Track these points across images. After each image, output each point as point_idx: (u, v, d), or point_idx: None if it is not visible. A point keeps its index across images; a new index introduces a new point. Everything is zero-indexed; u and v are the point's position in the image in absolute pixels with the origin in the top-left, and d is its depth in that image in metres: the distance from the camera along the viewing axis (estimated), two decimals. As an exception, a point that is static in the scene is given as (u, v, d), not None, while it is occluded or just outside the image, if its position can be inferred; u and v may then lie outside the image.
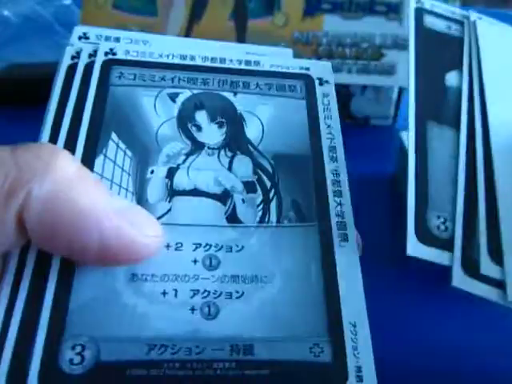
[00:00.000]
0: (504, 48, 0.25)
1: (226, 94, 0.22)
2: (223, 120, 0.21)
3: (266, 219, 0.19)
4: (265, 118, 0.22)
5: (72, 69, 0.21)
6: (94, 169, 0.19)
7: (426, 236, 0.19)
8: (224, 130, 0.21)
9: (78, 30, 0.23)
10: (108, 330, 0.17)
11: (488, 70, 0.23)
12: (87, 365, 0.16)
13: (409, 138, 0.21)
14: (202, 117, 0.21)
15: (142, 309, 0.17)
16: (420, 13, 0.25)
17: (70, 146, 0.20)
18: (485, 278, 0.18)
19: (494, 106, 0.22)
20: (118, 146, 0.20)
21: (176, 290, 0.18)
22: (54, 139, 0.20)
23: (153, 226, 0.17)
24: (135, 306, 0.17)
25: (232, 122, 0.21)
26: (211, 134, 0.21)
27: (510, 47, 0.25)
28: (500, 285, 0.18)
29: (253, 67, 0.23)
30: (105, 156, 0.20)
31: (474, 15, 0.27)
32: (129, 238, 0.16)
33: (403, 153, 0.35)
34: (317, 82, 0.23)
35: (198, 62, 0.22)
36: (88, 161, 0.19)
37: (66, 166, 0.16)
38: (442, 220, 0.19)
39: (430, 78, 0.23)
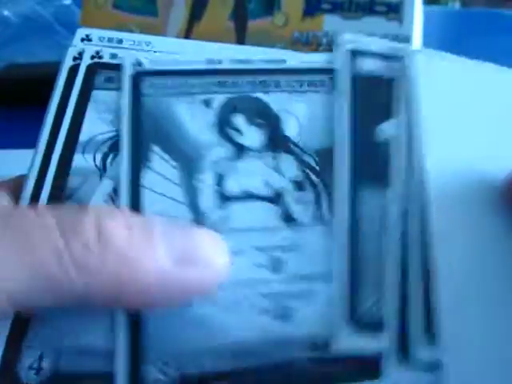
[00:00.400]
0: (447, 86, 0.21)
1: (258, 94, 0.22)
2: (261, 121, 0.21)
3: (319, 215, 0.19)
4: (301, 115, 0.21)
5: (74, 70, 0.21)
6: (142, 182, 0.19)
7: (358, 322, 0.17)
8: (263, 130, 0.21)
9: (81, 32, 0.22)
10: (184, 342, 0.17)
11: (427, 115, 0.20)
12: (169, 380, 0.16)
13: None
14: (239, 120, 0.21)
15: (218, 318, 0.17)
16: (354, 56, 0.22)
17: (69, 147, 0.20)
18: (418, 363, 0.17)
19: (432, 158, 0.19)
20: (162, 157, 0.20)
21: (247, 296, 0.17)
22: (52, 141, 0.20)
23: (220, 250, 0.17)
24: (211, 316, 0.17)
25: (270, 122, 0.21)
26: (252, 136, 0.21)
27: (455, 84, 0.21)
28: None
29: (280, 65, 0.22)
30: (150, 169, 0.20)
31: (413, 49, 0.23)
32: (192, 281, 0.16)
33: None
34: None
35: (225, 65, 0.22)
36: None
37: (116, 237, 0.15)
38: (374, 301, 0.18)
39: (364, 133, 0.21)
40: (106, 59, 0.22)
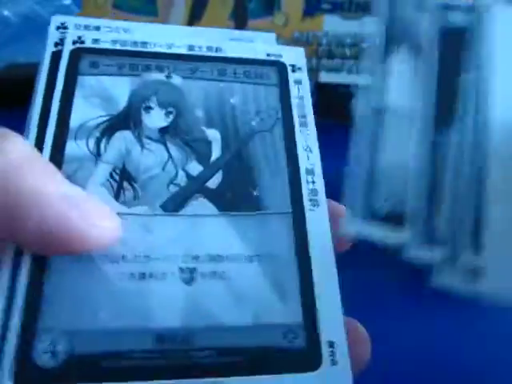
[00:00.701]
0: None
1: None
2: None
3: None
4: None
5: (56, 56, 0.22)
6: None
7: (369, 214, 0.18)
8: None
9: (56, 19, 0.22)
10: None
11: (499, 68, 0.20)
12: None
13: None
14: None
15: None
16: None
17: (61, 135, 0.20)
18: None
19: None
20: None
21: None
22: (43, 130, 0.20)
23: (104, 215, 0.17)
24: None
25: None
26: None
27: None
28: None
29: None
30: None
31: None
32: (71, 226, 0.16)
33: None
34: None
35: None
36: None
37: (14, 150, 0.16)
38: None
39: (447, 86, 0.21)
40: (89, 44, 0.22)
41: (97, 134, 0.20)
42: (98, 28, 0.23)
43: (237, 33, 0.25)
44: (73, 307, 0.17)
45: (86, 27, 0.22)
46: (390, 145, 0.20)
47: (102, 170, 0.19)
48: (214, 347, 0.17)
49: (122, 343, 0.16)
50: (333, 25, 0.42)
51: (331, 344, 0.17)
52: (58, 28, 0.22)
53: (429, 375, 0.29)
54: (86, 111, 0.20)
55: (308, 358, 0.17)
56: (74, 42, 0.22)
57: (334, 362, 0.17)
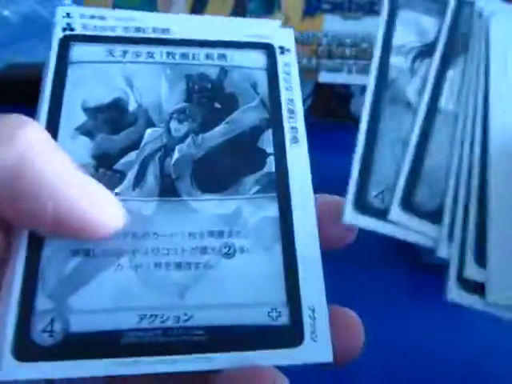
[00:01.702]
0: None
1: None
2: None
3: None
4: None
5: (64, 42, 0.21)
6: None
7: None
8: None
9: (61, 10, 0.22)
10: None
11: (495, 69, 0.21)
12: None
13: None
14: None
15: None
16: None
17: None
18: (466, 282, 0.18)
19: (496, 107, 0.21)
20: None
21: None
22: (55, 114, 0.20)
23: (113, 205, 0.18)
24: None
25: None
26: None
27: None
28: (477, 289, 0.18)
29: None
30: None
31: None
32: (85, 212, 0.16)
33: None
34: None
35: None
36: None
37: (30, 137, 0.16)
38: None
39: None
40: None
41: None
42: (102, 18, 0.22)
43: (238, 20, 0.24)
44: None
45: (92, 17, 0.22)
46: (435, 146, 0.21)
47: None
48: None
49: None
50: (333, 25, 0.42)
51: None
52: (63, 18, 0.22)
53: (428, 374, 0.29)
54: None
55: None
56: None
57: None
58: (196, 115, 0.21)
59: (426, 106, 0.21)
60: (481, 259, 0.18)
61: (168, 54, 0.22)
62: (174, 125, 0.21)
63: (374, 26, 0.42)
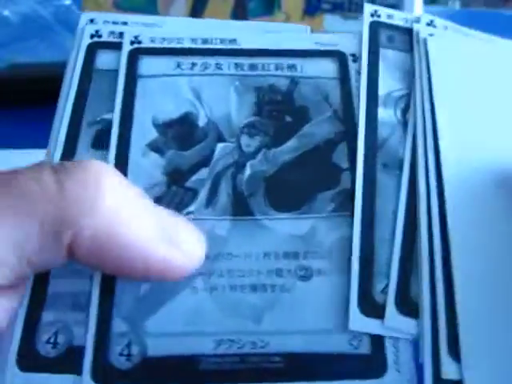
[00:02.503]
0: (459, 62, 0.21)
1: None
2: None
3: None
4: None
5: (92, 48, 0.21)
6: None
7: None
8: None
9: (86, 16, 0.22)
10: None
11: (439, 92, 0.19)
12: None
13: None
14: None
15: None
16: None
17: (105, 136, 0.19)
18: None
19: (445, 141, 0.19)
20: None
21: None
22: (75, 132, 0.20)
23: (198, 243, 0.17)
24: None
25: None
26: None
27: (467, 61, 0.21)
28: None
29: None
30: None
31: (425, 18, 0.22)
32: (174, 264, 0.16)
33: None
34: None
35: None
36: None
37: (112, 196, 0.16)
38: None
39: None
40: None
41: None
42: (125, 23, 0.22)
43: (272, 25, 0.23)
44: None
45: (115, 23, 0.22)
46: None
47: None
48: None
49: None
50: (333, 24, 0.42)
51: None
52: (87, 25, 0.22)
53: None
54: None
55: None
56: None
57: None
58: (267, 129, 0.20)
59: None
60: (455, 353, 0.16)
61: (236, 65, 0.21)
62: (244, 140, 0.20)
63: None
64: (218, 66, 0.21)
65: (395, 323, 0.17)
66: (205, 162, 0.20)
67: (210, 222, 0.18)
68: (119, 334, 0.17)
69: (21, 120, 0.43)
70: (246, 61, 0.21)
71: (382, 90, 0.20)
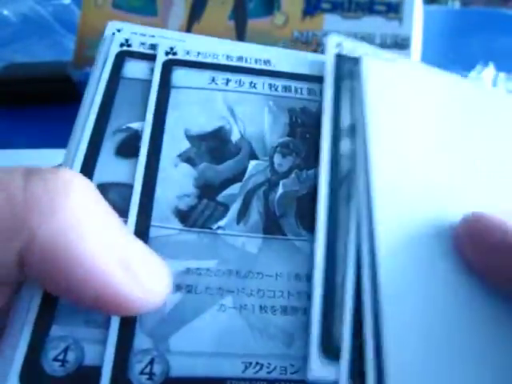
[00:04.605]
0: (395, 94, 0.20)
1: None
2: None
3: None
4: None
5: (120, 57, 0.21)
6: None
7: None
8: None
9: (112, 25, 0.22)
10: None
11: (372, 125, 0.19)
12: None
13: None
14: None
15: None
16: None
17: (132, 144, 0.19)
18: None
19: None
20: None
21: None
22: (99, 138, 0.19)
23: (160, 277, 0.16)
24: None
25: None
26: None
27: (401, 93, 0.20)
28: None
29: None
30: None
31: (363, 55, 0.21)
32: (129, 296, 0.15)
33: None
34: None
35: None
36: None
37: (76, 207, 0.15)
38: None
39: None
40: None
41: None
42: (152, 37, 0.22)
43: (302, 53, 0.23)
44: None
45: (142, 35, 0.22)
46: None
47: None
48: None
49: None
50: (333, 24, 0.42)
51: None
52: (113, 34, 0.21)
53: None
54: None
55: None
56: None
57: None
58: (299, 150, 0.20)
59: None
60: None
61: (270, 85, 0.21)
62: (277, 159, 0.20)
63: (374, 26, 0.42)
64: (253, 85, 0.21)
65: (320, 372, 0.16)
66: (237, 177, 0.19)
67: (240, 239, 0.18)
68: (142, 351, 0.16)
69: (20, 119, 0.43)
70: (279, 82, 0.22)
71: (343, 122, 0.20)
